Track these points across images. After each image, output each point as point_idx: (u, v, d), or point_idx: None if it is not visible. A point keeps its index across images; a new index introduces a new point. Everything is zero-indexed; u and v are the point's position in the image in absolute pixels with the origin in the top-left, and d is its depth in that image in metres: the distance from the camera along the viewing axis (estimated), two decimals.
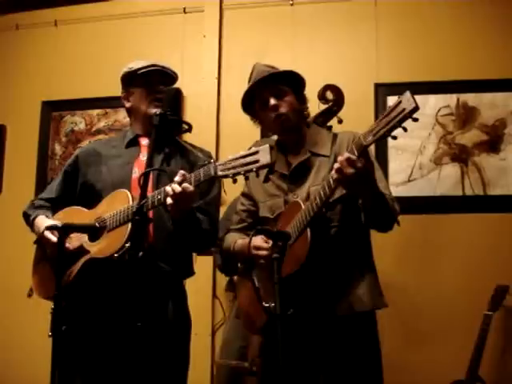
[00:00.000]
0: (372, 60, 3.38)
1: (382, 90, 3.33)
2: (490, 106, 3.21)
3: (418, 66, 3.34)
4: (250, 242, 1.81)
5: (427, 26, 3.37)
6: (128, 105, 2.15)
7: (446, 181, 3.20)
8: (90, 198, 2.07)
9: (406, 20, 3.41)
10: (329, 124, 2.93)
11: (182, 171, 1.79)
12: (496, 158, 3.17)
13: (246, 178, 1.78)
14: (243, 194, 2.21)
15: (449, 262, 3.12)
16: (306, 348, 1.89)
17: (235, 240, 2.12)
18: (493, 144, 3.19)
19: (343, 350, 1.86)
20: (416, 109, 1.49)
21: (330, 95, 2.99)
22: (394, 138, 1.56)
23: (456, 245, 3.13)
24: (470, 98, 3.24)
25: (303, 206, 1.85)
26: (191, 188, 1.75)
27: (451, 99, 3.26)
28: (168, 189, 1.77)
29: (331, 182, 1.74)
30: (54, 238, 1.89)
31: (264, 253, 1.86)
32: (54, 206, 2.14)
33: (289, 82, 2.05)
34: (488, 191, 3.16)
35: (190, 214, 1.91)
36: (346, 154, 1.64)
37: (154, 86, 2.06)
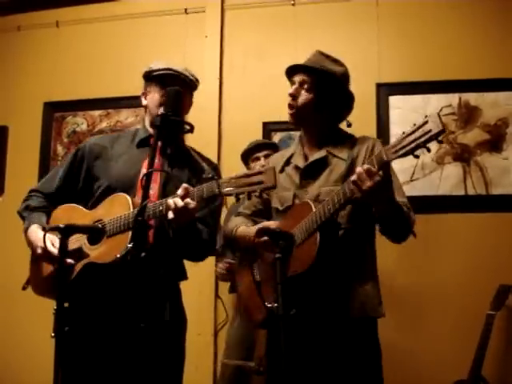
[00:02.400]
0: (374, 60, 3.38)
1: (384, 90, 3.34)
2: (492, 105, 3.21)
3: (419, 66, 3.34)
4: (254, 237, 1.81)
5: (429, 26, 3.37)
6: (144, 103, 2.16)
7: (448, 180, 3.20)
8: (93, 191, 2.04)
9: (407, 20, 3.41)
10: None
11: (185, 185, 1.77)
12: (498, 158, 3.17)
13: (249, 198, 1.75)
14: None
15: (451, 262, 3.11)
16: (312, 349, 1.88)
17: (238, 225, 2.11)
18: (495, 143, 3.19)
19: (347, 353, 1.86)
20: (443, 131, 1.48)
21: None
22: (417, 156, 1.55)
23: (458, 244, 3.13)
24: (472, 98, 3.24)
25: (314, 209, 1.84)
26: (193, 204, 1.74)
27: (453, 98, 3.26)
28: (170, 202, 1.75)
29: (347, 191, 1.73)
30: (55, 251, 1.84)
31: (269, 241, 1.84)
32: (53, 201, 2.10)
33: (323, 81, 2.01)
34: (490, 191, 3.15)
35: (190, 224, 1.89)
36: (366, 166, 1.64)
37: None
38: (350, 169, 1.93)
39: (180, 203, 1.73)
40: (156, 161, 1.94)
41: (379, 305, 1.94)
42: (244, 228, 2.09)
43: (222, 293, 3.34)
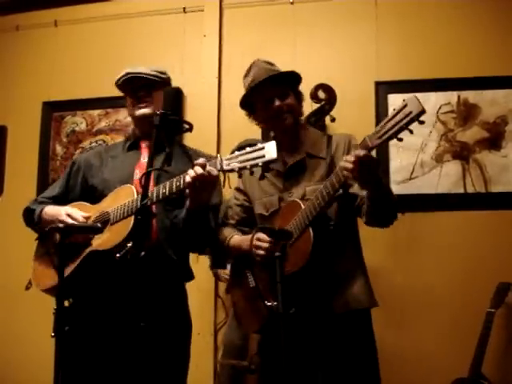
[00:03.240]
0: (372, 58, 3.38)
1: (383, 88, 3.33)
2: (491, 103, 3.21)
3: (418, 64, 3.34)
4: (252, 237, 1.82)
5: (427, 24, 3.37)
6: (128, 110, 2.21)
7: (448, 178, 3.20)
8: (92, 199, 2.07)
9: (406, 18, 3.40)
10: (321, 123, 2.94)
11: (202, 158, 1.74)
12: (497, 155, 3.17)
13: (251, 173, 1.74)
14: (237, 189, 2.22)
15: (451, 260, 3.11)
16: (304, 345, 1.89)
17: (231, 235, 2.13)
18: (494, 141, 3.18)
19: (340, 347, 1.88)
20: (423, 112, 1.51)
21: (321, 94, 3.01)
22: (400, 139, 1.58)
23: (458, 242, 3.13)
24: (471, 95, 3.24)
25: (303, 206, 1.85)
26: (216, 172, 1.70)
27: (452, 96, 3.26)
28: (190, 171, 1.72)
29: (335, 182, 1.75)
30: (71, 221, 1.90)
31: (266, 245, 1.86)
32: (56, 204, 2.13)
33: (289, 82, 2.07)
34: (489, 188, 3.15)
35: (205, 207, 1.89)
36: (354, 154, 1.66)
37: (135, 91, 2.08)
38: (331, 166, 1.97)
39: (200, 170, 1.69)
40: (146, 160, 1.97)
41: (371, 296, 1.96)
42: (238, 237, 2.10)
43: (222, 292, 3.35)
